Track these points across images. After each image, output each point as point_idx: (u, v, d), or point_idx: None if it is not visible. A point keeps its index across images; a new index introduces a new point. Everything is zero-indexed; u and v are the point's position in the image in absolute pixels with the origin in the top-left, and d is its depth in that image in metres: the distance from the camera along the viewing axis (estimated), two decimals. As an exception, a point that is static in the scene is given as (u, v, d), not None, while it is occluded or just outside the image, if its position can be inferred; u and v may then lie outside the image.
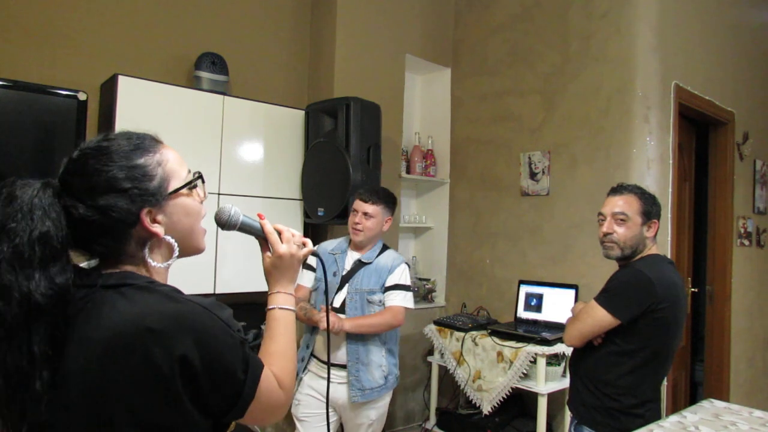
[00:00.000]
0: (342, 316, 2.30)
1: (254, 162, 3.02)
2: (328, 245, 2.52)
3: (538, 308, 3.22)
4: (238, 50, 3.24)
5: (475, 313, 3.58)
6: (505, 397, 2.93)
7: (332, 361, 2.32)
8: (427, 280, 3.97)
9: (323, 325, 2.21)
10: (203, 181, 0.97)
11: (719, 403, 1.83)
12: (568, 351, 2.64)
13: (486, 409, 2.98)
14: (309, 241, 1.12)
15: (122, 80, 2.54)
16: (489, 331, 3.12)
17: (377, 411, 2.37)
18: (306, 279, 2.46)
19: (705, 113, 3.57)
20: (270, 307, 1.04)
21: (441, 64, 4.03)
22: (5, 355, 0.77)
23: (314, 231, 3.38)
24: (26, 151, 2.42)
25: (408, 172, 3.90)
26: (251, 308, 1.98)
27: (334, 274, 2.39)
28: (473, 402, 3.11)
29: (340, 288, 2.37)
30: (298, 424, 2.39)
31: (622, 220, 1.90)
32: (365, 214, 2.37)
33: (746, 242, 4.02)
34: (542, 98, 3.45)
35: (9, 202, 0.80)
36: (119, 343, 0.78)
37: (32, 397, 0.77)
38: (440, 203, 4.05)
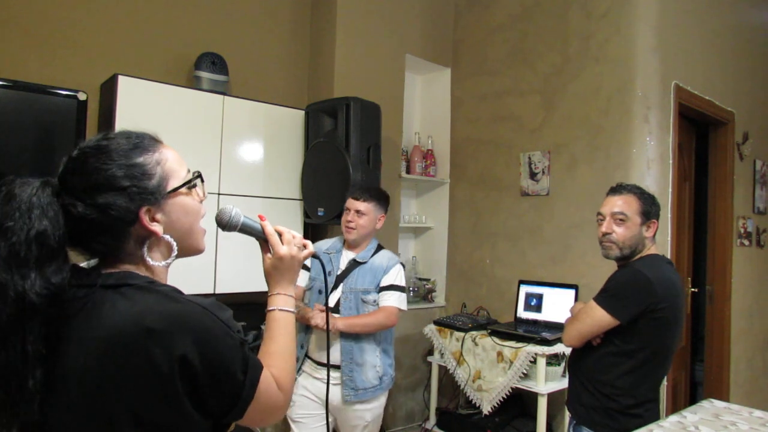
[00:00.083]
0: (336, 315, 2.30)
1: (254, 162, 3.02)
2: (323, 245, 2.52)
3: (538, 308, 3.22)
4: (238, 50, 3.25)
5: (475, 313, 3.58)
6: (505, 397, 2.93)
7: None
8: (427, 280, 3.97)
9: (315, 322, 2.21)
10: (202, 181, 0.97)
11: (719, 403, 1.83)
12: (568, 351, 2.63)
13: (486, 409, 2.98)
14: (309, 243, 1.13)
15: (122, 80, 2.54)
16: (489, 331, 3.12)
17: (372, 412, 2.36)
18: (300, 278, 2.46)
19: (705, 113, 3.56)
20: (270, 308, 1.04)
21: (441, 64, 4.03)
22: None
23: (314, 231, 3.38)
24: (26, 151, 2.42)
25: (408, 172, 3.89)
26: (251, 308, 1.98)
27: (329, 274, 2.39)
28: (473, 402, 3.11)
29: (334, 287, 2.37)
30: (293, 426, 2.37)
31: (621, 220, 1.90)
32: (357, 211, 2.37)
33: (746, 242, 4.02)
34: (542, 98, 3.45)
35: (7, 200, 0.80)
36: (119, 342, 0.78)
37: (25, 396, 0.77)
38: (440, 203, 4.05)
